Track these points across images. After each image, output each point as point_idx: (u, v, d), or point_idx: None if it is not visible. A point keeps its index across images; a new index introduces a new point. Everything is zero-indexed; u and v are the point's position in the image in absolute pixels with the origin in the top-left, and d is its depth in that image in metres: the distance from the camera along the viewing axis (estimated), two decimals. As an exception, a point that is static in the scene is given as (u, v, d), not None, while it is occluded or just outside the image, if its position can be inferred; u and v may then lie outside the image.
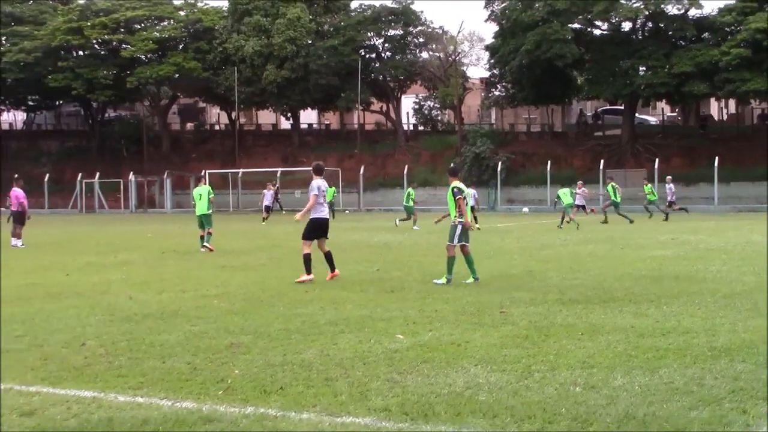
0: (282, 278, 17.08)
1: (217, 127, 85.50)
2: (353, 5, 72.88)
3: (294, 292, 15.04)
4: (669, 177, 46.03)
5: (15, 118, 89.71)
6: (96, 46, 73.36)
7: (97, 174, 68.09)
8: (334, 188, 44.37)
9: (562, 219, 37.07)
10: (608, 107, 73.40)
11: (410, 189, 41.89)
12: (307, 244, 16.57)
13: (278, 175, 62.55)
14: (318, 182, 16.80)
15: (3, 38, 74.82)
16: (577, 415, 6.92)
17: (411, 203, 39.58)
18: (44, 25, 73.01)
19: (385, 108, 75.25)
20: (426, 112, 77.89)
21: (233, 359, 9.27)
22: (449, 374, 8.39)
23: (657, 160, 57.85)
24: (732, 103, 73.26)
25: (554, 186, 59.69)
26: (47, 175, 70.23)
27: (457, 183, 16.93)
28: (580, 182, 43.10)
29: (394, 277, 17.32)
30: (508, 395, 7.56)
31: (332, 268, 16.70)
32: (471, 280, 16.25)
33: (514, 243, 27.05)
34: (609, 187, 40.34)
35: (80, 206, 68.47)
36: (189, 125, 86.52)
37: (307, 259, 16.44)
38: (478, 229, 31.77)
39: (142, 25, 73.60)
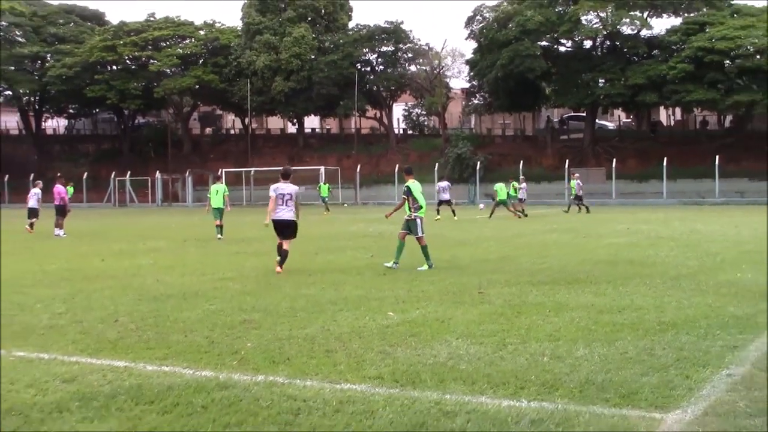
0: (288, 263, 17.04)
1: (232, 132, 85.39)
2: (351, 25, 72.74)
3: (299, 274, 15.02)
4: (576, 174, 44.93)
5: (58, 124, 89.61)
6: (127, 61, 73.18)
7: (128, 173, 68.02)
8: (328, 185, 44.84)
9: (492, 212, 37.23)
10: (572, 114, 73.41)
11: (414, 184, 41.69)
12: (280, 239, 15.81)
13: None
14: (275, 185, 15.86)
15: (48, 55, 74.60)
16: (545, 381, 6.93)
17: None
18: (83, 44, 72.89)
19: (378, 114, 75.25)
20: (414, 118, 77.94)
21: (246, 334, 9.27)
22: (434, 346, 8.40)
23: (614, 160, 57.98)
24: (678, 110, 73.35)
25: (527, 183, 59.92)
26: (85, 173, 70.04)
27: (410, 182, 16.53)
28: (522, 177, 43.60)
29: (385, 262, 17.31)
30: (485, 365, 7.57)
31: (280, 264, 15.44)
32: (425, 267, 15.82)
33: (490, 232, 27.06)
34: (573, 183, 40.73)
35: (114, 201, 68.31)
36: (208, 130, 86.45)
37: (280, 250, 15.71)
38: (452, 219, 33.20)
39: (168, 43, 73.42)
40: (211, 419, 6.00)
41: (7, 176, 71.22)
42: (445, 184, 39.93)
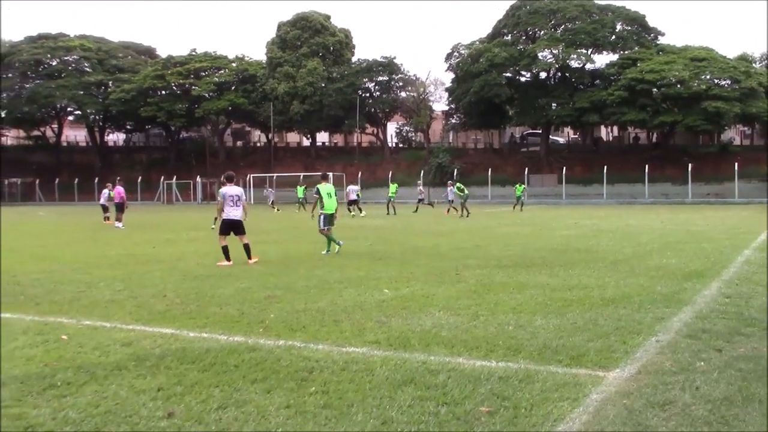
0: (302, 250, 17.04)
1: (258, 144, 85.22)
2: (354, 59, 72.65)
3: (311, 259, 14.99)
4: (450, 182, 42.09)
5: (117, 137, 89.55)
6: (174, 87, 73.01)
7: (174, 177, 67.94)
8: (304, 187, 43.18)
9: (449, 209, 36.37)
10: (531, 131, 73.45)
11: (394, 185, 41.58)
12: (222, 238, 14.51)
13: (301, 177, 62.43)
14: (224, 189, 14.74)
15: (110, 82, 74.50)
16: (510, 345, 6.91)
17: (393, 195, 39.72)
18: (138, 73, 72.77)
19: (375, 131, 75.27)
20: (404, 134, 78.11)
21: (269, 307, 9.23)
22: (421, 317, 8.37)
23: (564, 168, 58.13)
24: (615, 128, 73.55)
25: (494, 186, 60.06)
26: (139, 177, 69.91)
27: (319, 185, 16.51)
28: (450, 182, 41.45)
29: (381, 249, 17.29)
30: (462, 332, 7.55)
31: (248, 257, 14.45)
32: (337, 248, 16.06)
33: (465, 225, 27.05)
34: (522, 187, 41.22)
35: (162, 199, 68.22)
36: (239, 143, 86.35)
37: (224, 250, 14.33)
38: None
39: (206, 72, 73.26)
40: (242, 376, 5.97)
41: (76, 179, 71.07)
42: (421, 187, 41.18)
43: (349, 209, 36.77)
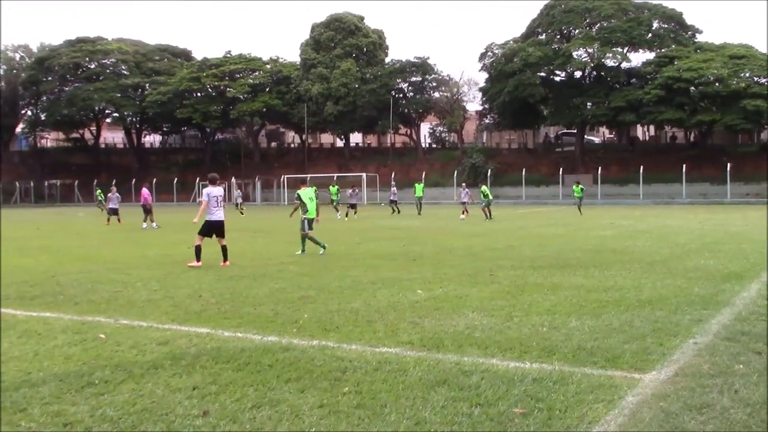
0: (336, 251, 17.07)
1: (292, 145, 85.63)
2: (387, 60, 72.67)
3: (345, 259, 15.02)
4: (463, 184, 41.31)
5: (154, 139, 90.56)
6: (209, 89, 73.73)
7: (209, 178, 68.52)
8: (337, 187, 41.33)
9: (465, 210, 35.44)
10: (565, 131, 72.84)
11: (420, 185, 41.27)
12: (199, 238, 14.30)
13: (335, 178, 62.64)
14: (209, 189, 14.64)
15: (147, 85, 75.44)
16: (545, 347, 6.86)
17: (421, 193, 40.02)
18: (174, 76, 73.58)
19: (409, 132, 75.19)
20: (437, 134, 77.88)
21: (303, 307, 9.28)
22: (454, 318, 8.35)
23: (600, 168, 57.53)
24: (652, 128, 72.66)
25: (528, 186, 59.71)
26: (175, 179, 70.69)
27: (299, 191, 16.66)
28: (464, 184, 40.79)
29: (415, 250, 17.27)
30: (495, 333, 7.51)
31: (224, 258, 14.32)
32: (321, 250, 16.20)
33: (499, 226, 26.92)
34: (580, 188, 37.70)
35: (198, 200, 68.84)
36: (273, 144, 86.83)
37: (197, 250, 14.16)
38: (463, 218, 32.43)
39: (241, 74, 73.85)
40: (276, 375, 6.01)
41: (114, 181, 72.12)
42: (466, 189, 39.22)
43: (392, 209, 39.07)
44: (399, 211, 39.33)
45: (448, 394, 5.42)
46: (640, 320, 8.05)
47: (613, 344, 6.93)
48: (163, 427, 4.84)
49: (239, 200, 48.28)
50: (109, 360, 6.62)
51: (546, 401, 5.22)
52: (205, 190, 14.73)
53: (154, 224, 27.87)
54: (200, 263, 13.93)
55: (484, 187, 34.71)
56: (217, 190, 14.72)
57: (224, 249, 14.43)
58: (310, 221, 16.53)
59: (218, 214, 14.50)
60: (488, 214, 32.15)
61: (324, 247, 16.28)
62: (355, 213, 36.68)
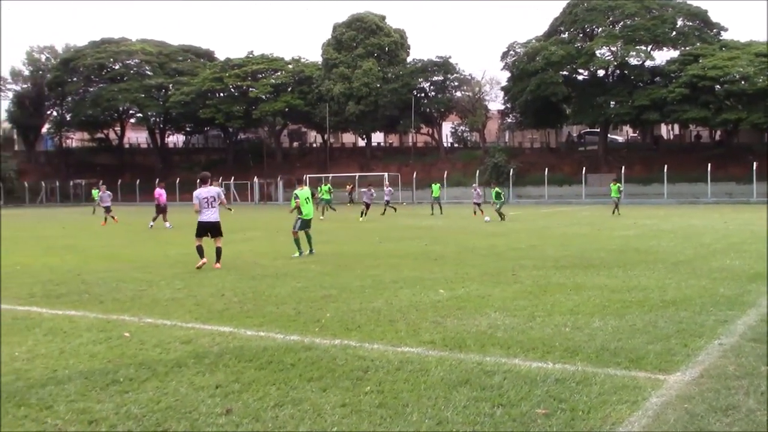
0: (358, 250, 17.09)
1: (314, 145, 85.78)
2: (409, 59, 72.58)
3: (367, 259, 15.04)
4: (474, 184, 40.79)
5: (177, 139, 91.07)
6: (232, 89, 74.00)
7: (232, 177, 68.84)
8: (329, 186, 40.17)
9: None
10: (588, 130, 72.30)
11: (437, 185, 40.19)
12: (197, 239, 14.02)
13: (356, 178, 62.79)
14: (197, 191, 14.20)
15: (170, 85, 75.93)
16: (568, 347, 6.83)
17: (438, 194, 38.96)
18: (197, 76, 74.00)
19: (430, 131, 75.03)
20: (459, 134, 77.70)
21: (325, 306, 9.30)
22: (476, 318, 8.34)
23: (623, 167, 57.05)
24: (676, 126, 71.94)
25: (551, 186, 59.39)
26: (198, 179, 71.02)
27: (297, 190, 16.31)
28: (475, 184, 39.84)
29: (437, 249, 17.25)
30: (518, 333, 7.49)
31: (217, 259, 13.84)
32: (307, 252, 16.03)
33: (521, 226, 26.81)
34: (616, 186, 35.24)
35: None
36: (295, 143, 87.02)
37: (198, 249, 13.86)
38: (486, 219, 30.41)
39: (263, 74, 74.11)
40: (298, 374, 6.03)
41: (138, 180, 72.72)
42: (478, 189, 38.49)
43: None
44: (395, 209, 38.84)
45: (470, 394, 5.41)
46: (664, 321, 7.99)
47: (637, 345, 6.88)
48: (187, 425, 4.87)
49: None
50: (133, 358, 6.68)
51: (569, 402, 5.19)
52: (194, 193, 14.29)
53: (167, 224, 27.72)
54: (204, 260, 13.67)
55: (496, 188, 32.39)
56: (207, 191, 14.24)
57: (218, 251, 14.01)
58: (306, 222, 16.25)
59: (210, 215, 14.08)
60: (501, 217, 30.08)
61: (300, 253, 15.78)
62: (384, 212, 36.72)
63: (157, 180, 35.84)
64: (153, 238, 22.75)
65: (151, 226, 27.62)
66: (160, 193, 29.07)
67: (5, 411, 5.22)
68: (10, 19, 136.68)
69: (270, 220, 34.84)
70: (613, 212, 33.35)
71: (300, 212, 16.11)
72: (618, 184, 35.90)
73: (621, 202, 36.02)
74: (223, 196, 14.70)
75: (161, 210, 28.56)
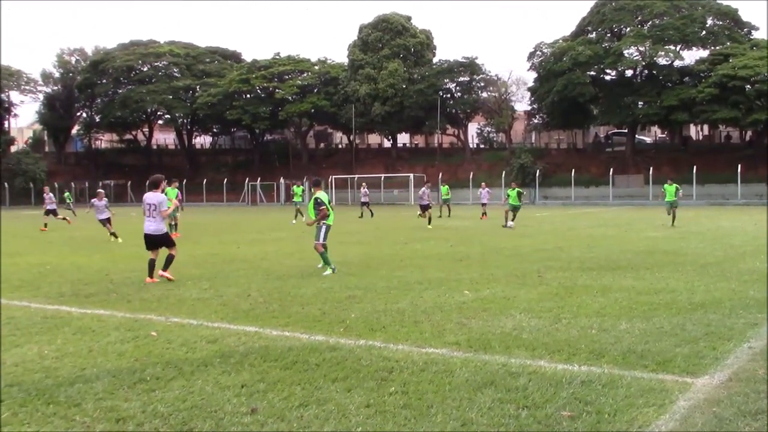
0: (383, 251, 17.08)
1: (340, 146, 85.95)
2: (435, 60, 72.50)
3: (392, 260, 15.04)
4: (483, 183, 38.29)
5: (204, 140, 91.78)
6: (258, 91, 74.42)
7: (258, 178, 69.24)
8: (302, 187, 35.58)
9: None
10: (616, 131, 71.72)
11: (445, 186, 38.71)
12: (149, 252, 12.39)
13: (382, 179, 62.82)
14: (144, 196, 12.41)
15: (197, 87, 76.51)
16: (593, 349, 6.78)
17: (449, 195, 37.27)
18: (224, 77, 74.51)
19: (456, 132, 74.88)
20: (485, 135, 77.44)
21: (350, 307, 9.32)
22: (501, 319, 8.31)
23: (651, 168, 56.53)
24: (705, 127, 71.14)
25: (577, 187, 58.97)
26: (225, 179, 71.57)
27: (319, 194, 13.50)
28: (483, 183, 37.77)
29: (462, 250, 17.22)
30: (543, 335, 7.45)
31: (164, 267, 12.19)
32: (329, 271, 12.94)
33: (548, 227, 26.66)
34: (674, 186, 26.77)
35: (247, 200, 69.57)
36: (321, 144, 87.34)
37: (149, 264, 12.24)
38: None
39: (290, 76, 74.41)
40: (323, 374, 6.05)
41: (166, 181, 73.20)
42: (486, 189, 36.84)
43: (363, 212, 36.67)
44: (372, 214, 36.87)
45: (495, 395, 5.39)
46: (692, 323, 7.90)
47: (665, 348, 6.81)
48: (212, 424, 4.91)
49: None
50: (160, 357, 6.75)
51: (595, 404, 5.15)
52: (144, 196, 12.52)
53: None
54: (155, 280, 12.01)
55: (510, 190, 28.14)
56: (150, 197, 12.26)
57: (168, 258, 12.26)
58: (329, 229, 13.60)
59: (149, 225, 12.22)
60: (506, 220, 26.33)
61: (333, 269, 13.05)
62: (362, 215, 35.87)
63: (185, 181, 35.32)
64: (180, 239, 22.93)
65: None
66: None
67: (34, 408, 5.30)
68: (41, 22, 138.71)
69: (296, 221, 34.95)
70: (672, 220, 25.63)
71: (324, 216, 13.46)
72: (675, 185, 27.00)
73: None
74: (165, 206, 12.23)
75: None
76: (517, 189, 27.75)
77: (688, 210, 41.87)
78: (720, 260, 14.22)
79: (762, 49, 55.27)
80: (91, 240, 22.89)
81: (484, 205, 34.87)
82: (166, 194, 14.12)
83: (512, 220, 26.49)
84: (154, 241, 12.35)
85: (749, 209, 41.55)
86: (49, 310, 9.45)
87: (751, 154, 58.39)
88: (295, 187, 34.54)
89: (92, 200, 24.26)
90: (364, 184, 45.98)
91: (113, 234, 22.58)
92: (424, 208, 28.18)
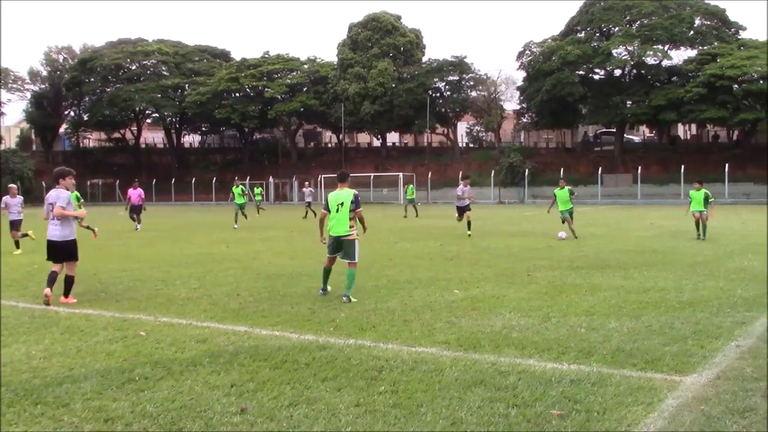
0: (372, 250, 17.06)
1: (329, 145, 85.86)
2: (424, 59, 72.53)
3: (381, 259, 15.02)
4: (463, 181, 34.78)
5: (193, 139, 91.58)
6: (247, 89, 74.31)
7: (248, 177, 68.88)
8: (241, 188, 31.08)
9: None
10: (604, 130, 71.97)
11: (410, 186, 38.43)
12: (50, 263, 10.09)
13: (371, 178, 62.81)
14: (50, 193, 10.06)
15: (186, 85, 76.28)
16: (582, 348, 6.81)
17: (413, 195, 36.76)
18: (213, 76, 74.34)
19: (446, 131, 74.96)
20: (474, 134, 77.61)
21: (340, 306, 9.32)
22: (491, 318, 8.32)
23: (639, 167, 56.77)
24: (693, 126, 71.49)
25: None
26: (214, 178, 71.36)
27: (351, 191, 10.34)
28: (463, 181, 35.46)
29: (452, 250, 17.23)
30: (532, 333, 7.47)
31: (65, 293, 9.89)
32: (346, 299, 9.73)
33: (537, 226, 26.71)
34: (702, 193, 20.18)
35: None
36: (310, 144, 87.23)
37: (49, 276, 9.90)
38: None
39: (279, 75, 74.33)
40: (313, 374, 6.05)
41: (154, 180, 73.10)
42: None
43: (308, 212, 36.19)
44: (315, 214, 35.13)
45: (485, 394, 5.40)
46: (680, 322, 7.95)
47: (653, 346, 6.85)
48: (202, 424, 4.90)
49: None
50: (149, 357, 6.72)
51: (584, 403, 5.17)
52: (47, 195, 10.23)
53: (138, 226, 26.69)
54: (48, 294, 9.69)
55: (557, 190, 21.41)
56: (52, 195, 10.01)
57: (67, 280, 9.97)
58: (336, 243, 10.34)
59: (51, 231, 10.03)
60: (572, 232, 20.43)
61: (324, 291, 10.45)
62: (306, 215, 35.43)
63: (173, 180, 34.85)
64: (170, 238, 22.87)
65: (139, 228, 26.61)
66: (131, 192, 27.68)
67: (22, 409, 5.27)
68: (29, 19, 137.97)
69: (286, 220, 34.90)
70: (698, 234, 19.78)
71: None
72: (704, 191, 20.36)
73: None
74: (64, 203, 9.93)
75: (134, 210, 27.26)
76: (567, 187, 21.32)
77: (676, 209, 42.06)
78: (708, 259, 14.30)
79: (749, 49, 55.61)
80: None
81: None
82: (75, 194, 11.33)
83: (569, 224, 20.61)
84: (58, 250, 9.97)
85: (737, 208, 41.86)
86: (37, 309, 9.40)
87: (739, 153, 58.77)
88: (234, 187, 30.86)
89: (4, 198, 19.21)
90: (306, 183, 45.62)
91: (17, 242, 18.62)
92: (462, 210, 22.45)
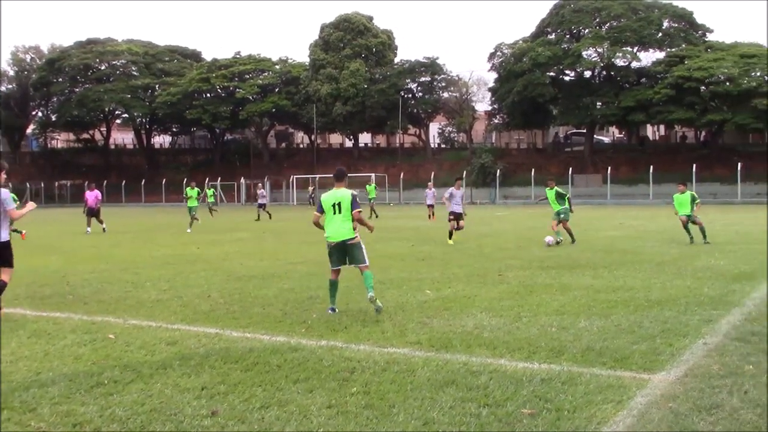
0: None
1: (301, 146, 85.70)
2: (396, 60, 72.66)
3: (354, 260, 15.00)
4: (429, 183, 36.33)
5: (164, 140, 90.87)
6: (219, 90, 73.97)
7: (219, 178, 68.56)
8: (197, 190, 29.49)
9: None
10: (575, 131, 72.66)
11: (372, 186, 38.11)
12: None
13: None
14: None
15: (156, 86, 75.65)
16: (553, 347, 6.85)
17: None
18: (184, 77, 73.84)
19: (418, 132, 75.17)
20: (446, 134, 77.84)
21: (312, 307, 9.29)
22: (462, 318, 8.35)
23: (609, 168, 57.40)
24: (662, 127, 72.42)
25: (537, 186, 59.51)
26: (185, 179, 70.67)
27: (348, 191, 9.56)
28: (430, 183, 36.04)
29: (424, 250, 17.27)
30: (504, 333, 7.51)
31: None
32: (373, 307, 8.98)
33: (508, 226, 26.87)
34: (688, 195, 19.64)
35: (206, 201, 68.92)
36: (282, 144, 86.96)
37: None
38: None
39: (250, 75, 74.05)
40: (284, 375, 6.02)
41: (124, 181, 72.32)
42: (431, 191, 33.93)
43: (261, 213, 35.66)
44: (270, 216, 35.68)
45: (457, 394, 5.42)
46: (649, 321, 8.03)
47: (622, 345, 6.91)
48: (172, 427, 4.85)
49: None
50: (118, 360, 6.65)
51: (555, 402, 5.21)
52: None
53: (88, 229, 26.05)
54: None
55: (556, 188, 19.96)
56: None
57: (2, 285, 8.68)
58: (339, 249, 9.54)
59: None
60: (570, 235, 19.44)
61: (333, 309, 9.05)
62: (258, 217, 34.76)
63: (143, 181, 34.13)
64: (140, 239, 22.65)
65: (89, 231, 25.95)
66: (87, 194, 26.83)
67: (-12, 414, 5.18)
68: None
69: (257, 221, 34.72)
70: (691, 239, 18.70)
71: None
72: (689, 193, 19.57)
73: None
74: (11, 205, 8.84)
75: (92, 213, 26.39)
76: (556, 188, 19.85)
77: (645, 209, 42.59)
78: (676, 258, 14.48)
79: (716, 51, 56.50)
80: (46, 242, 22.47)
81: (430, 206, 32.93)
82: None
83: (556, 228, 19.52)
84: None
85: (704, 208, 42.18)
86: (3, 312, 9.24)
87: (706, 154, 59.69)
88: (188, 189, 29.02)
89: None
90: (260, 184, 45.36)
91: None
92: (457, 216, 20.74)
